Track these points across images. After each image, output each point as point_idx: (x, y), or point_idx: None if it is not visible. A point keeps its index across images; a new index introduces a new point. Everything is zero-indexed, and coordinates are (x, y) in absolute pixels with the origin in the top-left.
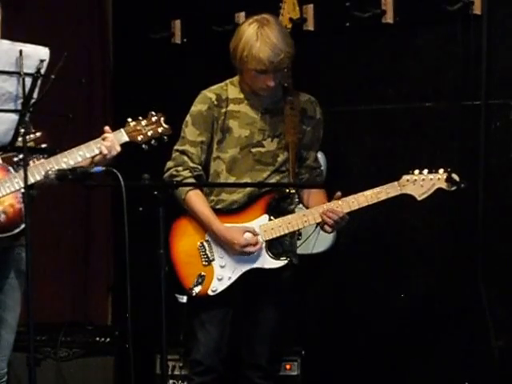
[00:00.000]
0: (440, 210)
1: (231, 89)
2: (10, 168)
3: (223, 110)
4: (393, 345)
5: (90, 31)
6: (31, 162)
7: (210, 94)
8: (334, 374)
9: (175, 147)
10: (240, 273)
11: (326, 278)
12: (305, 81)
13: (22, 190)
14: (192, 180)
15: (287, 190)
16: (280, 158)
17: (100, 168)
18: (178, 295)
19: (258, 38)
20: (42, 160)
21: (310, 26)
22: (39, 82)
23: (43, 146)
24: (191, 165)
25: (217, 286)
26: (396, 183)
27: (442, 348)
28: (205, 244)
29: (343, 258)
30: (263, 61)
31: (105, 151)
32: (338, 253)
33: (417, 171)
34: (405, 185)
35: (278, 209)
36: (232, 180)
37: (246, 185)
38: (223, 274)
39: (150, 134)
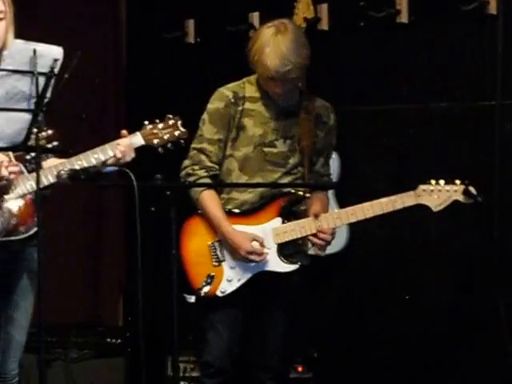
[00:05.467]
0: (454, 213)
1: (248, 87)
2: (23, 168)
3: (239, 108)
4: (406, 348)
5: (103, 31)
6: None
7: (226, 91)
8: (347, 377)
9: (192, 145)
10: (250, 275)
11: (339, 279)
12: (318, 80)
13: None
14: (207, 180)
15: (302, 193)
16: (291, 160)
17: (112, 168)
18: (186, 295)
19: (269, 44)
20: (57, 162)
21: (324, 25)
22: (52, 81)
23: (54, 143)
24: (208, 164)
25: (226, 287)
26: (412, 193)
27: (457, 352)
28: (216, 244)
29: (356, 260)
30: (269, 69)
31: (119, 155)
32: (351, 254)
33: (433, 181)
34: (421, 195)
35: (291, 212)
36: (244, 179)
37: (258, 185)
38: (233, 276)
39: (166, 137)
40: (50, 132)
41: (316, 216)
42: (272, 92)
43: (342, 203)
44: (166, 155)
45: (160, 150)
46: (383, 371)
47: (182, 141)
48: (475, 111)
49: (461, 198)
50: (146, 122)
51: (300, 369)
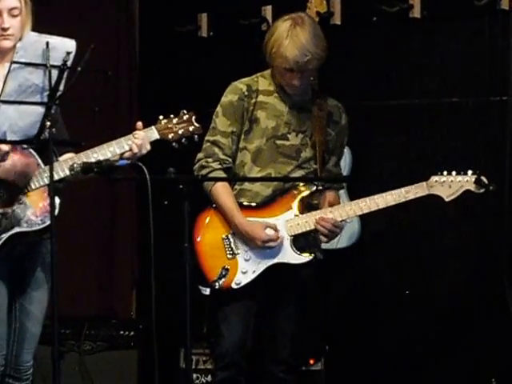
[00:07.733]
0: (465, 207)
1: (262, 81)
2: (40, 161)
3: (253, 101)
4: (417, 341)
5: (116, 24)
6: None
7: (240, 85)
8: (358, 370)
9: (206, 138)
10: (264, 267)
11: (351, 273)
12: (331, 75)
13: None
14: (221, 172)
15: (315, 187)
16: (303, 154)
17: (125, 161)
18: (201, 287)
19: (287, 36)
20: (72, 155)
21: (336, 19)
22: (65, 74)
23: None
24: (221, 156)
25: (241, 279)
26: (424, 183)
27: (468, 345)
28: (230, 237)
29: (368, 253)
30: (289, 60)
31: (135, 149)
32: (362, 248)
33: (445, 172)
34: (433, 185)
35: (304, 204)
36: (256, 170)
37: (271, 179)
38: (247, 268)
39: (180, 132)
40: (53, 130)
41: (330, 206)
42: (289, 84)
43: (354, 198)
44: (179, 149)
45: (174, 144)
46: (394, 364)
47: (196, 136)
48: (487, 106)
49: (472, 187)
50: (161, 117)
51: (311, 361)
